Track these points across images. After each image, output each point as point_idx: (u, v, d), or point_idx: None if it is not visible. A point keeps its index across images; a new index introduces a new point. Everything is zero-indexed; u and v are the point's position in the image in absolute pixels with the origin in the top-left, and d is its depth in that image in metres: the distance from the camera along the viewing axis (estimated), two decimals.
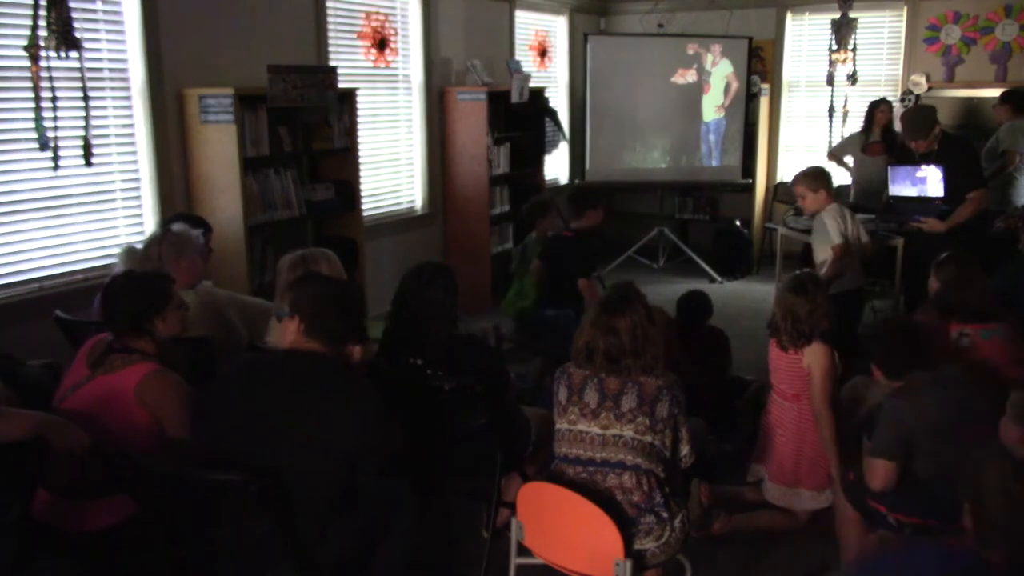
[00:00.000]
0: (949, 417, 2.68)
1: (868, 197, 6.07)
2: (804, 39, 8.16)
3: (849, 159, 6.53)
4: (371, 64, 5.84)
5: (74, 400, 2.51)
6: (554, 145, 7.59)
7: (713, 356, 4.28)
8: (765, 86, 8.00)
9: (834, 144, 6.83)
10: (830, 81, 6.68)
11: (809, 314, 3.16)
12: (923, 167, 5.35)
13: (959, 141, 5.19)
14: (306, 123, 4.93)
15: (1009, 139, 5.76)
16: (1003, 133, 5.81)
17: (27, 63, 3.27)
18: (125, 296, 2.62)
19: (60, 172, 3.55)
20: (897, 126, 6.27)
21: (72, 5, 3.30)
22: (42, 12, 3.23)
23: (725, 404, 4.16)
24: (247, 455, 2.31)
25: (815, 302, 3.17)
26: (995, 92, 6.34)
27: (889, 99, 6.58)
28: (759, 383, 4.39)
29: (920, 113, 5.22)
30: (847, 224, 4.37)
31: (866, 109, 6.44)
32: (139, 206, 4.39)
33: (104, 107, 4.17)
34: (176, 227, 3.38)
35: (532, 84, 6.77)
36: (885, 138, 6.21)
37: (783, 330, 3.23)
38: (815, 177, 4.49)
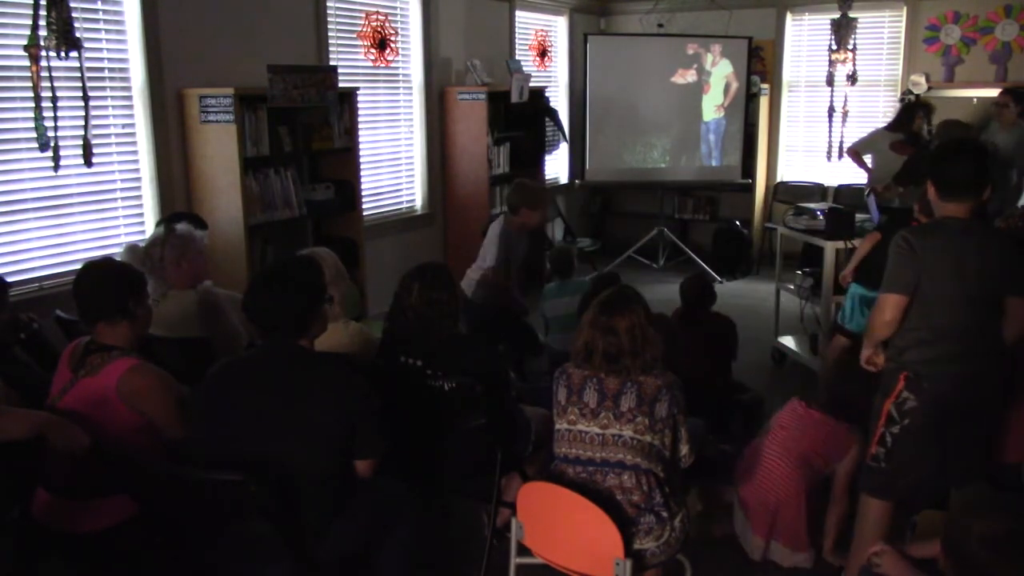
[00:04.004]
0: (948, 254, 2.67)
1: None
2: (804, 39, 8.15)
3: (868, 158, 6.47)
4: (371, 64, 5.84)
5: (63, 405, 2.49)
6: (554, 145, 7.59)
7: (723, 347, 4.26)
8: (765, 86, 8.00)
9: (834, 142, 6.81)
10: (830, 81, 6.68)
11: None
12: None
13: (993, 162, 5.16)
14: (306, 123, 4.93)
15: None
16: (1012, 146, 5.70)
17: (27, 63, 3.27)
18: (105, 280, 2.58)
19: (60, 172, 3.54)
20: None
21: (72, 5, 3.30)
22: (42, 12, 3.22)
23: (725, 402, 4.15)
24: (244, 451, 2.32)
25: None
26: (995, 92, 6.32)
27: (927, 105, 6.50)
28: (756, 394, 4.38)
29: (957, 126, 5.20)
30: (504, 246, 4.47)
31: (901, 108, 6.40)
32: (139, 206, 4.39)
33: (104, 107, 4.18)
34: (180, 227, 3.37)
35: (532, 84, 6.77)
36: (915, 141, 6.15)
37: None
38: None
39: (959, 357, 2.70)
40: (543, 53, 7.88)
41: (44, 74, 3.24)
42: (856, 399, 3.10)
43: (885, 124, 6.47)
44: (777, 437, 3.25)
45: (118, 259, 3.08)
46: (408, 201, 6.45)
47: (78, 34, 3.31)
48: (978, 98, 6.96)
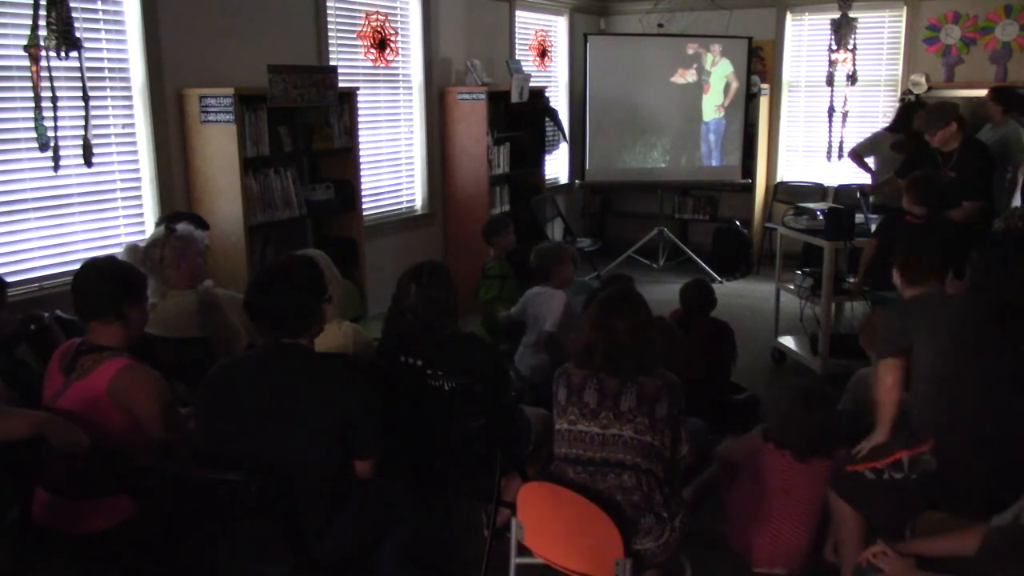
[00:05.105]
0: (949, 320, 2.70)
1: (892, 196, 6.00)
2: (804, 39, 8.15)
3: (871, 160, 6.45)
4: (371, 64, 5.85)
5: (57, 408, 2.46)
6: (554, 145, 7.59)
7: (717, 349, 4.26)
8: (765, 86, 8.00)
9: (834, 142, 6.80)
10: (830, 81, 6.67)
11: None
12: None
13: (980, 150, 5.12)
14: (306, 123, 4.94)
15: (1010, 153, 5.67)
16: (997, 144, 5.69)
17: (27, 63, 3.27)
18: (102, 278, 2.55)
19: (60, 172, 3.55)
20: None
21: (72, 5, 3.30)
22: (42, 12, 3.23)
23: (722, 402, 4.15)
24: (244, 451, 2.32)
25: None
26: None
27: (923, 104, 6.49)
28: (752, 394, 4.37)
29: (940, 107, 5.19)
30: None
31: (899, 109, 6.40)
32: (139, 206, 4.39)
33: (104, 107, 4.18)
34: (180, 228, 3.37)
35: (532, 84, 6.77)
36: (913, 140, 6.14)
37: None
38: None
39: (981, 416, 2.60)
40: (543, 53, 7.88)
41: (44, 74, 3.24)
42: (823, 427, 3.05)
43: (886, 126, 6.46)
44: (791, 511, 3.03)
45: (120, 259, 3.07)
46: (408, 201, 6.45)
47: (78, 34, 3.31)
48: (978, 98, 6.96)
